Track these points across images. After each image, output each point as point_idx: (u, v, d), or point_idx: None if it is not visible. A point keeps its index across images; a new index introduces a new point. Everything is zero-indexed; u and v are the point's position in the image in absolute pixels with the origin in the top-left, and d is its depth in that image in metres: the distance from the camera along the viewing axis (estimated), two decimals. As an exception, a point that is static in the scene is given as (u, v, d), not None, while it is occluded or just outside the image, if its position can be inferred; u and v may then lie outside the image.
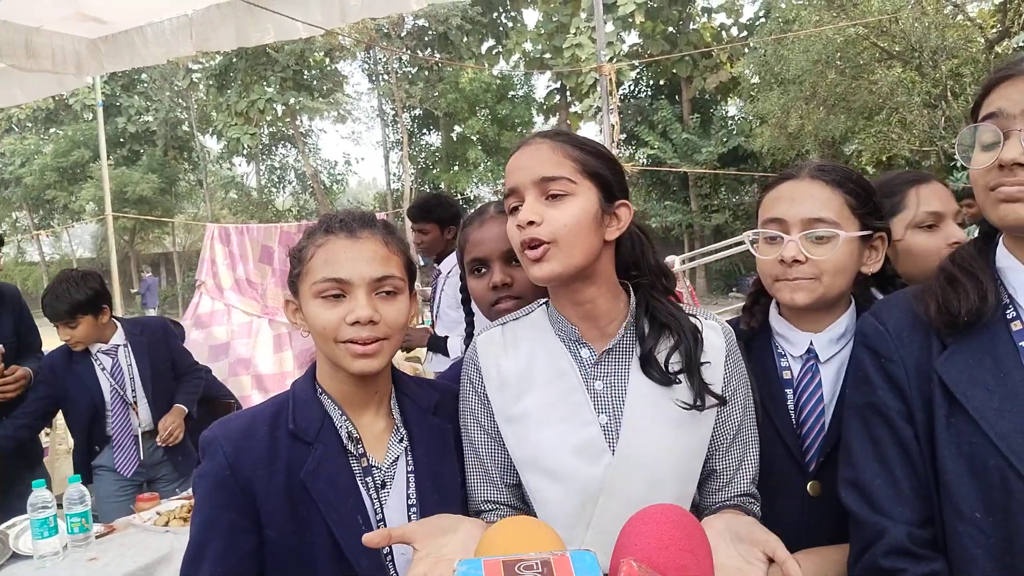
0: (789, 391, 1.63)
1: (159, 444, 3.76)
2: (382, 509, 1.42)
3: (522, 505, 1.50)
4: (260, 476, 1.37)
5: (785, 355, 1.66)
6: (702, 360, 1.46)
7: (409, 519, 1.42)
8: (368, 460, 1.44)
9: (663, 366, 1.44)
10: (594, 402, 1.44)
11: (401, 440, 1.49)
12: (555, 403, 1.45)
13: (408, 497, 1.45)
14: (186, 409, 3.86)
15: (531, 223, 1.38)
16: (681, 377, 1.44)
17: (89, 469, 3.77)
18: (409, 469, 1.47)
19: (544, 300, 1.59)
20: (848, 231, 1.56)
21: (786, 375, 1.64)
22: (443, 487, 1.48)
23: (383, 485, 1.45)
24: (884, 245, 1.65)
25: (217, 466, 1.38)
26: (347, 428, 1.45)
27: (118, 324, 3.80)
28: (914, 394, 1.27)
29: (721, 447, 1.48)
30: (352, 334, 1.38)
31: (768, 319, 1.72)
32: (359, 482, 1.42)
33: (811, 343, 1.62)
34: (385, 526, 1.40)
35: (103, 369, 3.69)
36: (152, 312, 22.85)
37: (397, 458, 1.48)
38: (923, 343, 1.28)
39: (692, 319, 1.50)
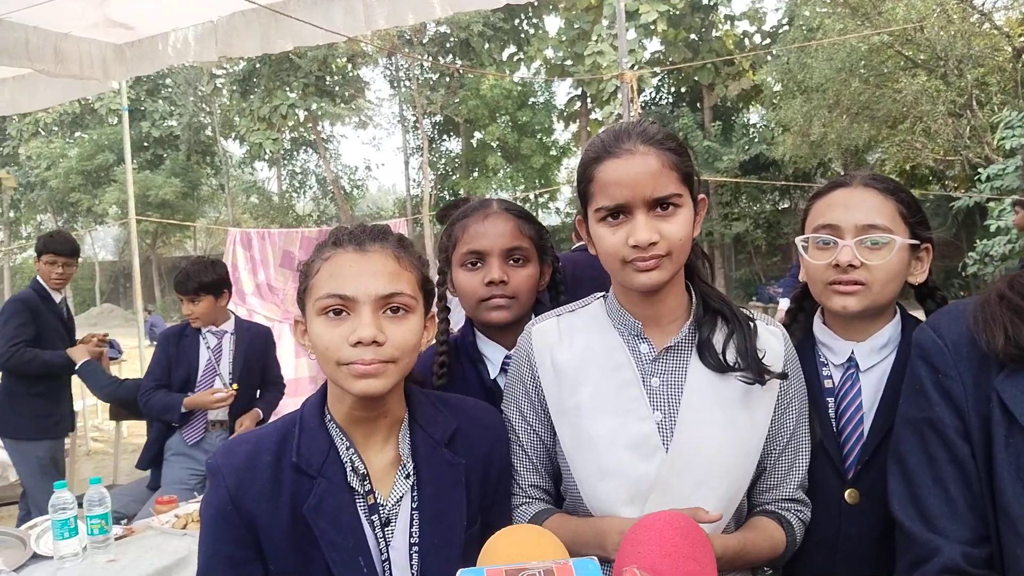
0: (830, 399, 1.64)
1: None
2: (387, 548, 1.36)
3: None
4: (263, 509, 1.32)
5: (827, 363, 1.68)
6: (762, 359, 1.45)
7: (411, 559, 1.37)
8: (375, 497, 1.37)
9: (720, 354, 1.44)
10: (650, 398, 1.44)
11: (408, 476, 1.41)
12: (610, 396, 1.44)
13: (411, 535, 1.38)
14: (261, 415, 4.12)
15: (652, 243, 1.34)
16: (739, 363, 1.43)
17: (161, 451, 4.08)
18: (414, 507, 1.39)
19: (602, 293, 1.58)
20: (902, 238, 1.57)
21: (827, 383, 1.66)
22: (449, 527, 1.39)
23: (387, 523, 1.38)
24: (929, 256, 1.66)
25: (220, 499, 1.34)
26: (353, 462, 1.37)
27: (232, 315, 4.19)
28: (972, 412, 1.24)
29: (775, 450, 1.49)
30: (354, 356, 1.28)
31: (810, 330, 1.74)
32: (364, 520, 1.35)
33: (852, 352, 1.63)
34: (390, 566, 1.35)
35: (207, 347, 4.07)
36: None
37: (402, 496, 1.40)
38: (982, 359, 1.24)
39: (745, 311, 1.51)
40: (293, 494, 1.33)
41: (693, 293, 1.51)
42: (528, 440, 1.54)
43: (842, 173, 1.75)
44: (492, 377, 1.81)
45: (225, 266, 4.19)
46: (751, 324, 1.48)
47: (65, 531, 2.63)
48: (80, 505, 2.73)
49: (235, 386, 4.02)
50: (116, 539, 2.84)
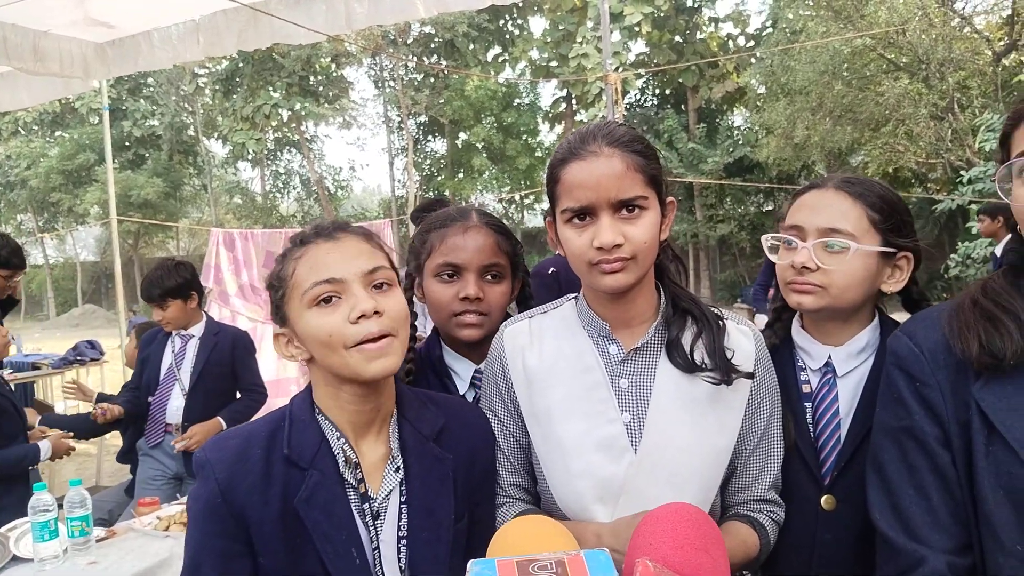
0: (808, 404, 1.63)
1: (173, 445, 3.87)
2: (377, 540, 1.37)
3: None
4: (254, 502, 1.31)
5: (805, 368, 1.67)
6: (731, 359, 1.44)
7: (399, 552, 1.37)
8: (366, 488, 1.37)
9: (688, 354, 1.43)
10: (619, 399, 1.44)
11: (397, 470, 1.41)
12: (580, 398, 1.44)
13: (399, 529, 1.38)
14: (224, 426, 3.95)
15: (616, 245, 1.34)
16: (707, 363, 1.42)
17: (134, 450, 4.13)
18: (402, 500, 1.40)
19: (574, 295, 1.57)
20: (864, 244, 1.55)
21: (805, 388, 1.65)
22: (436, 522, 1.40)
23: (377, 515, 1.38)
24: (910, 265, 1.63)
25: (209, 492, 1.32)
26: (345, 453, 1.37)
27: (204, 317, 4.14)
28: (951, 419, 1.24)
29: (746, 450, 1.49)
30: (361, 332, 1.28)
31: (790, 334, 1.73)
32: (359, 510, 1.36)
33: (829, 357, 1.62)
34: (380, 557, 1.35)
35: (172, 350, 4.07)
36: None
37: (392, 490, 1.40)
38: (959, 366, 1.24)
39: (714, 310, 1.50)
40: (284, 487, 1.32)
41: (663, 294, 1.51)
42: (505, 442, 1.54)
43: (824, 176, 1.75)
44: (461, 393, 1.77)
45: (192, 267, 4.12)
46: (720, 323, 1.48)
47: (45, 533, 2.60)
48: (60, 507, 2.70)
49: (178, 440, 3.85)
50: (97, 541, 2.81)
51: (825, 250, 1.56)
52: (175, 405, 3.99)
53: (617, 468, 1.40)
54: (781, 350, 1.70)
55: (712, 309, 1.50)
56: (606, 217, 1.34)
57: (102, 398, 4.38)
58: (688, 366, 1.43)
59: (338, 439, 1.37)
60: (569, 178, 1.38)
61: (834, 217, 1.56)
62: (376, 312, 1.29)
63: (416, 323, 1.86)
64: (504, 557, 1.00)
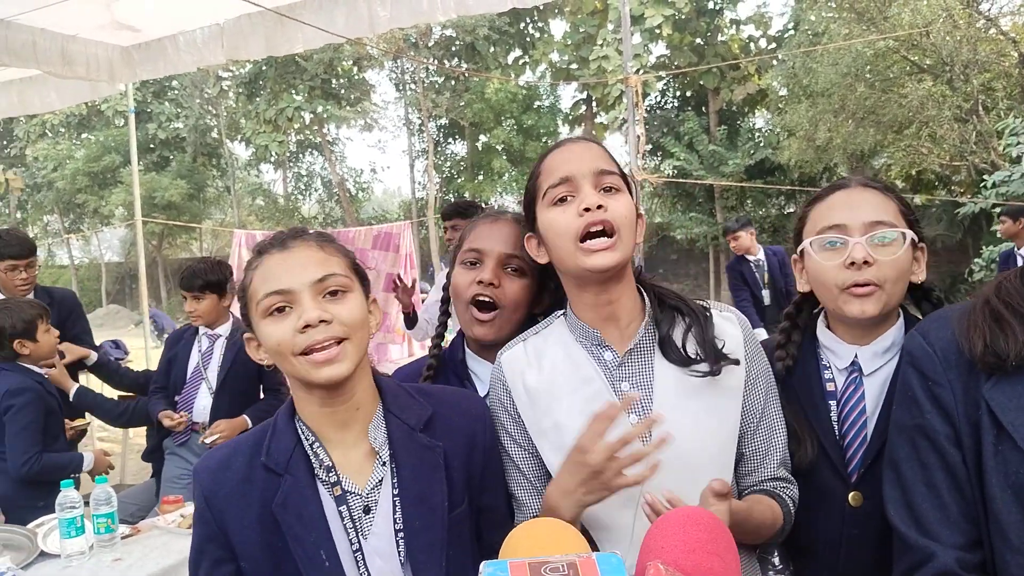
0: (832, 403, 1.64)
1: (202, 442, 3.93)
2: (359, 537, 1.37)
3: None
4: (233, 509, 1.37)
5: (830, 367, 1.67)
6: (721, 348, 1.47)
7: (397, 544, 1.38)
8: (343, 487, 1.39)
9: (682, 348, 1.46)
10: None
11: (384, 464, 1.42)
12: (583, 411, 1.44)
13: (395, 521, 1.39)
14: (250, 424, 4.01)
15: (600, 207, 1.40)
16: (700, 355, 1.46)
17: (159, 449, 4.16)
18: (395, 492, 1.41)
19: (560, 312, 1.59)
20: (908, 232, 1.58)
21: (829, 387, 1.66)
22: (430, 509, 1.41)
23: (367, 511, 1.39)
24: (925, 255, 1.65)
25: (198, 499, 1.41)
26: (318, 455, 1.40)
27: (231, 319, 4.19)
28: (962, 418, 1.25)
29: (748, 431, 1.51)
30: (306, 341, 1.31)
31: (814, 335, 1.73)
32: (335, 512, 1.37)
33: (856, 356, 1.63)
34: (363, 556, 1.36)
35: (199, 350, 4.12)
36: (168, 334, 22.77)
37: (381, 480, 1.41)
38: (971, 365, 1.25)
39: (700, 302, 1.54)
40: (263, 493, 1.37)
41: (645, 296, 1.53)
42: (524, 462, 1.54)
43: (846, 177, 1.75)
44: (483, 395, 1.74)
45: (231, 267, 4.24)
46: (707, 315, 1.51)
47: (72, 530, 2.65)
48: (87, 504, 2.75)
49: (206, 435, 3.94)
50: (122, 538, 2.86)
51: (876, 243, 1.56)
52: (202, 404, 4.04)
53: (632, 470, 1.40)
54: (805, 350, 1.71)
55: (698, 302, 1.54)
56: (587, 185, 1.43)
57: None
58: (683, 360, 1.46)
59: (311, 443, 1.40)
60: (548, 164, 1.50)
61: (877, 211, 1.58)
62: (323, 321, 1.32)
63: (447, 322, 1.95)
64: (516, 559, 1.00)
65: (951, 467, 1.26)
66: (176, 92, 32.36)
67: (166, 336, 4.74)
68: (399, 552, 1.38)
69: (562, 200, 1.44)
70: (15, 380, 3.42)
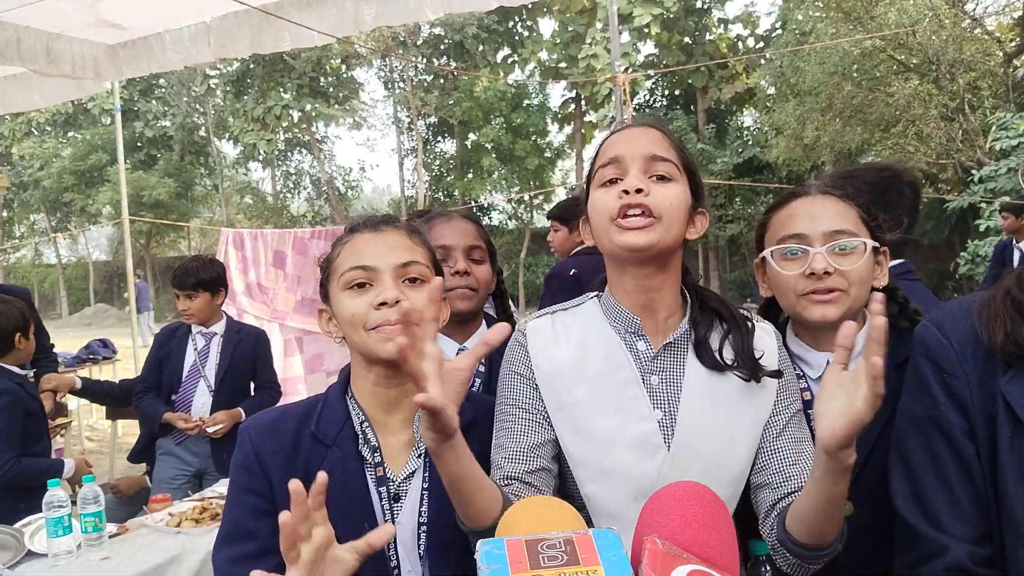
0: (811, 412, 1.60)
1: (203, 428, 3.97)
2: (394, 520, 1.39)
3: (545, 489, 1.42)
4: (279, 467, 1.39)
5: (804, 376, 1.66)
6: (759, 359, 1.45)
7: (419, 537, 1.40)
8: (384, 470, 1.42)
9: (717, 353, 1.45)
10: (650, 396, 1.44)
11: (420, 456, 1.44)
12: (610, 395, 1.43)
13: (420, 514, 1.41)
14: (244, 416, 4.06)
15: (639, 190, 1.38)
16: (736, 362, 1.44)
17: (153, 449, 4.13)
18: (424, 486, 1.42)
19: (595, 293, 1.58)
20: (868, 240, 1.58)
21: (806, 395, 1.63)
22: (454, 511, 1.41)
23: (396, 498, 1.42)
24: (887, 260, 1.66)
25: (244, 453, 1.43)
26: (366, 434, 1.43)
27: (224, 317, 4.23)
28: (977, 411, 1.24)
29: (778, 442, 1.45)
30: (380, 318, 1.37)
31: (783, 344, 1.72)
32: (375, 491, 1.40)
33: (827, 363, 1.61)
34: (395, 540, 1.37)
35: (195, 348, 4.12)
36: (147, 315, 22.48)
37: (413, 473, 1.43)
38: (987, 357, 1.24)
39: (742, 311, 1.53)
40: (307, 461, 1.40)
41: (688, 295, 1.52)
42: (527, 427, 1.45)
43: (809, 183, 1.75)
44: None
45: (223, 266, 4.27)
46: (749, 324, 1.50)
47: (59, 528, 2.64)
48: (74, 503, 2.74)
49: (208, 424, 4.00)
50: (110, 537, 2.85)
51: (835, 253, 1.57)
52: (201, 402, 4.07)
53: (651, 466, 1.40)
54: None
55: (740, 311, 1.52)
56: (635, 169, 1.41)
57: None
58: (716, 364, 1.44)
59: (361, 421, 1.44)
60: (605, 146, 1.49)
61: (836, 220, 1.58)
62: (399, 302, 1.37)
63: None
64: (513, 536, 1.01)
65: (965, 460, 1.25)
66: (163, 90, 32.20)
67: (154, 334, 4.70)
68: (419, 545, 1.40)
69: (610, 182, 1.43)
70: None
